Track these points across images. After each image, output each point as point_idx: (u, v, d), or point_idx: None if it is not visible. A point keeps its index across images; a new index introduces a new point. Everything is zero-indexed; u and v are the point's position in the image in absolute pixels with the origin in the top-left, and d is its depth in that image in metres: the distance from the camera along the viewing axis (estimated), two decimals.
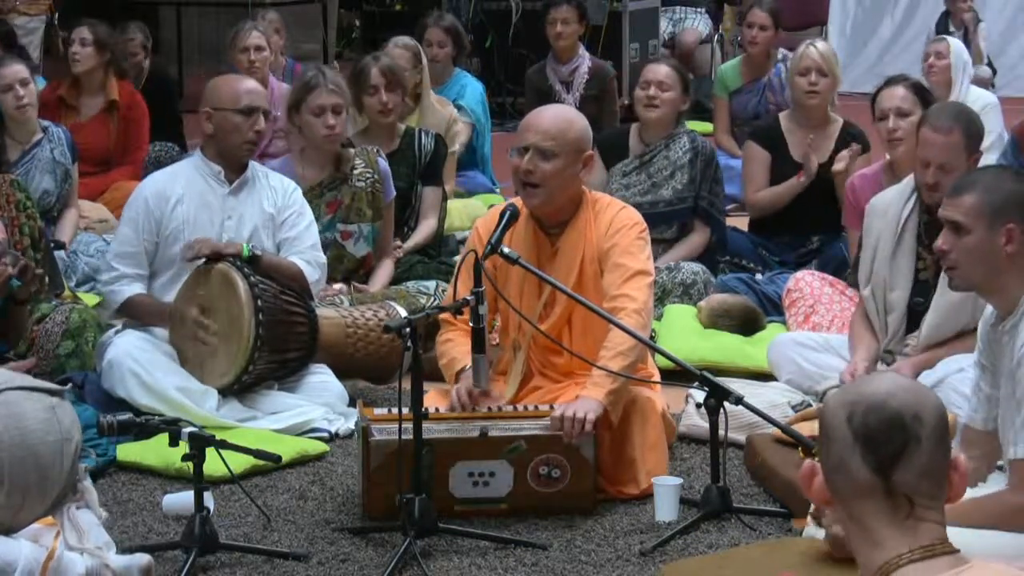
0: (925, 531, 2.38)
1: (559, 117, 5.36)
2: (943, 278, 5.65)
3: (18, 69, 7.93)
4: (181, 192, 6.07)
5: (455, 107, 9.33)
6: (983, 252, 4.30)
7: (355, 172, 6.96)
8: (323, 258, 6.27)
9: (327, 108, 6.79)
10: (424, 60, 8.79)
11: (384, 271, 7.07)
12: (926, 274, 5.81)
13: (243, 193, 6.12)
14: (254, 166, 6.21)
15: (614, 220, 5.34)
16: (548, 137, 5.25)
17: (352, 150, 6.99)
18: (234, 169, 6.10)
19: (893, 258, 5.83)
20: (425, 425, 4.80)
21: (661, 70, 7.54)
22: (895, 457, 2.37)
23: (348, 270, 6.98)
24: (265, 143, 8.80)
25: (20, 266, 5.51)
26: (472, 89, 9.68)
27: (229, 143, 6.06)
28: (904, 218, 5.81)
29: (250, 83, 6.23)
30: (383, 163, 7.08)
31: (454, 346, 5.35)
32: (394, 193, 7.13)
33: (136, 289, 6.06)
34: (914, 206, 5.81)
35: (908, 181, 5.88)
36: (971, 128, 5.70)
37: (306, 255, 6.15)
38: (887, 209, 5.87)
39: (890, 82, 7.02)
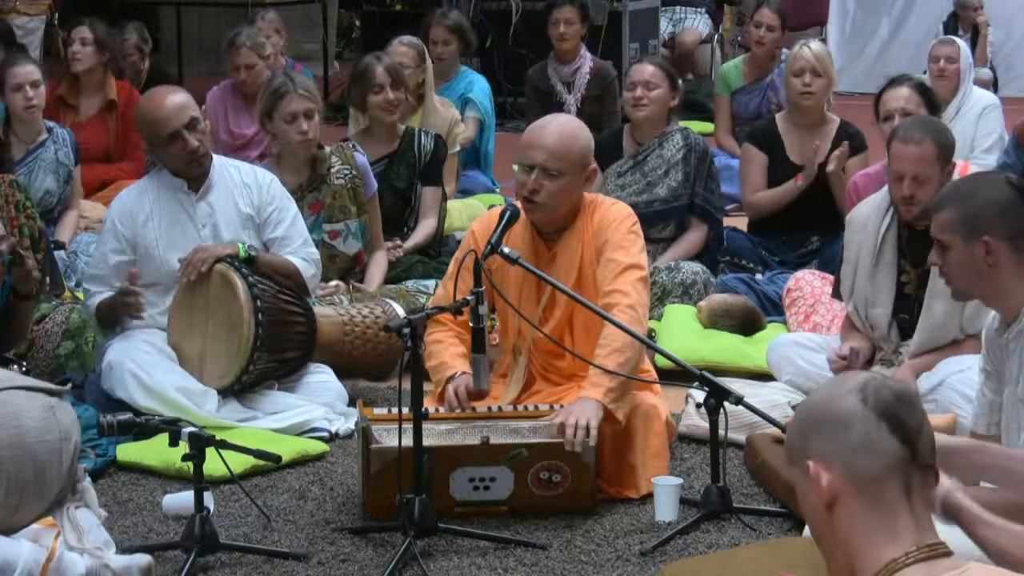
0: (930, 526, 2.40)
1: (564, 134, 5.33)
2: (928, 298, 5.66)
3: (30, 70, 7.94)
4: (149, 209, 6.05)
5: (464, 100, 9.37)
6: (966, 266, 4.29)
7: (332, 171, 6.97)
8: (316, 253, 6.26)
9: (299, 114, 6.77)
10: (428, 61, 8.79)
11: (378, 267, 7.07)
12: (910, 288, 5.79)
13: (212, 197, 6.07)
14: (220, 163, 6.15)
15: (605, 216, 5.35)
16: (554, 157, 5.25)
17: (327, 149, 6.99)
18: (196, 178, 6.08)
19: (873, 274, 5.79)
20: (426, 428, 4.80)
21: (647, 69, 7.55)
22: (917, 429, 2.41)
23: (342, 269, 6.99)
24: (264, 145, 8.81)
25: (10, 244, 5.50)
26: (480, 84, 9.70)
27: (176, 167, 6.04)
28: (883, 232, 5.78)
29: (165, 108, 5.96)
30: (360, 157, 7.07)
31: (443, 348, 5.34)
32: (375, 185, 7.13)
33: (100, 297, 6.07)
34: (892, 219, 5.76)
35: (884, 193, 5.84)
36: (942, 139, 5.65)
37: (300, 252, 6.14)
38: (866, 223, 5.84)
39: (894, 82, 7.01)
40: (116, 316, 6.06)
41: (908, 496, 2.39)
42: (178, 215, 6.06)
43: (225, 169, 6.16)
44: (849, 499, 2.40)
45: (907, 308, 5.78)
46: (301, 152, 6.86)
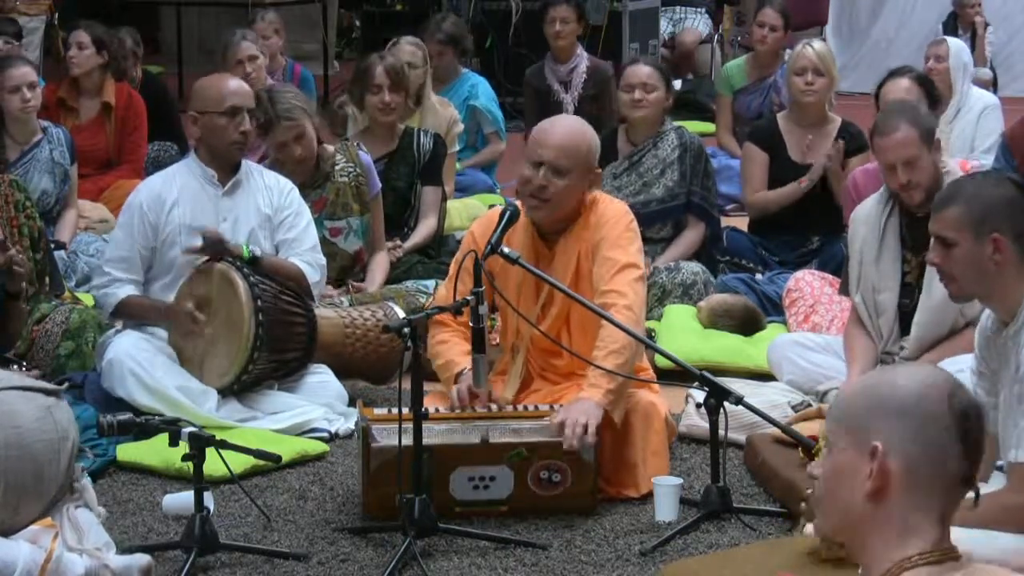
0: (948, 532, 2.41)
1: (573, 132, 5.36)
2: (927, 279, 5.68)
3: (27, 72, 7.94)
4: (176, 195, 6.07)
5: (469, 107, 9.36)
6: (973, 263, 4.28)
7: (336, 168, 6.98)
8: (323, 259, 6.27)
9: (288, 142, 6.77)
10: (428, 61, 8.81)
11: (379, 268, 7.07)
12: (911, 277, 5.82)
13: (237, 194, 6.11)
14: (248, 165, 6.21)
15: (602, 213, 5.36)
16: (562, 155, 5.26)
17: (331, 148, 7.00)
18: (226, 170, 6.10)
19: (878, 262, 5.83)
20: (426, 427, 4.80)
21: (643, 71, 7.55)
22: (979, 441, 2.41)
23: (342, 267, 6.99)
24: (263, 149, 8.81)
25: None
26: (484, 88, 9.71)
27: (217, 145, 6.06)
28: (884, 221, 5.82)
29: (234, 83, 6.19)
30: (364, 156, 7.09)
31: (450, 348, 5.35)
32: (379, 185, 7.14)
33: (129, 291, 6.05)
34: (892, 208, 5.81)
35: (883, 189, 5.89)
36: (918, 120, 5.72)
37: (306, 256, 6.15)
38: (867, 217, 5.89)
39: (894, 74, 7.03)
40: (144, 319, 6.06)
41: (944, 510, 2.40)
42: (203, 204, 6.08)
43: (251, 170, 6.21)
44: (894, 492, 2.39)
45: (909, 294, 5.81)
46: (300, 167, 6.87)
